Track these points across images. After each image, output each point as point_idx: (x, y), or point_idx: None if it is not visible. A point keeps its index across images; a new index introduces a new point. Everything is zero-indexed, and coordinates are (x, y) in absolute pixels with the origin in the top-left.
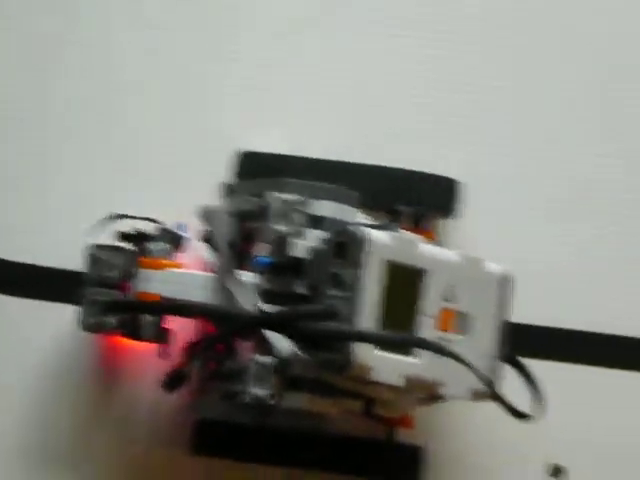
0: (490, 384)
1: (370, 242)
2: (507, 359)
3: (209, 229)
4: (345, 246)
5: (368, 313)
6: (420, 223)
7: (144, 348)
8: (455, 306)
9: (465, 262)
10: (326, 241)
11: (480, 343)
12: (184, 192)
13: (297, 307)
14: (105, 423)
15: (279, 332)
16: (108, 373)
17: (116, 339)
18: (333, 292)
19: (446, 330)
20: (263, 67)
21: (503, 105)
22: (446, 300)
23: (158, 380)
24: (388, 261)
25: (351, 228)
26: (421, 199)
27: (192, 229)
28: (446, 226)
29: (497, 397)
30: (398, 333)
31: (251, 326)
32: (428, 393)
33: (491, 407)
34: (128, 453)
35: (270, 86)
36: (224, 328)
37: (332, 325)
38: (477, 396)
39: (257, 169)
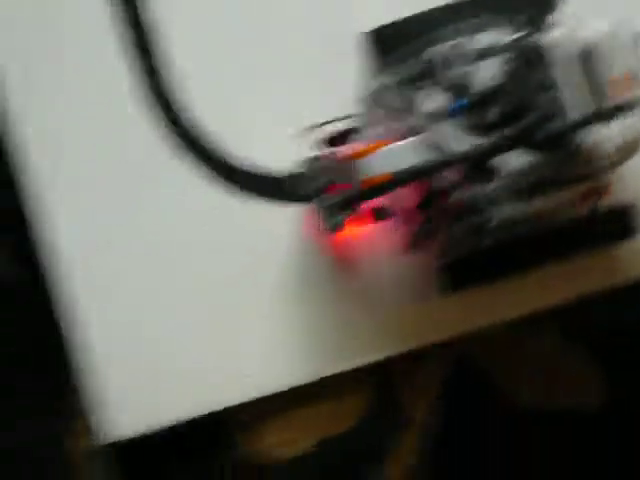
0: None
1: (554, 40)
2: None
3: (385, 104)
4: (535, 54)
5: (578, 100)
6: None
7: (370, 231)
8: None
9: (612, 28)
10: (512, 59)
11: None
12: (326, 90)
13: (525, 121)
14: (357, 306)
15: (520, 148)
16: (346, 261)
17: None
18: (542, 97)
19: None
20: None
21: None
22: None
23: (398, 247)
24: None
25: (533, 37)
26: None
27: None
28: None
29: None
30: (610, 104)
31: (494, 153)
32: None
33: None
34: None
35: None
36: (467, 167)
37: (564, 121)
38: None
39: (392, 41)
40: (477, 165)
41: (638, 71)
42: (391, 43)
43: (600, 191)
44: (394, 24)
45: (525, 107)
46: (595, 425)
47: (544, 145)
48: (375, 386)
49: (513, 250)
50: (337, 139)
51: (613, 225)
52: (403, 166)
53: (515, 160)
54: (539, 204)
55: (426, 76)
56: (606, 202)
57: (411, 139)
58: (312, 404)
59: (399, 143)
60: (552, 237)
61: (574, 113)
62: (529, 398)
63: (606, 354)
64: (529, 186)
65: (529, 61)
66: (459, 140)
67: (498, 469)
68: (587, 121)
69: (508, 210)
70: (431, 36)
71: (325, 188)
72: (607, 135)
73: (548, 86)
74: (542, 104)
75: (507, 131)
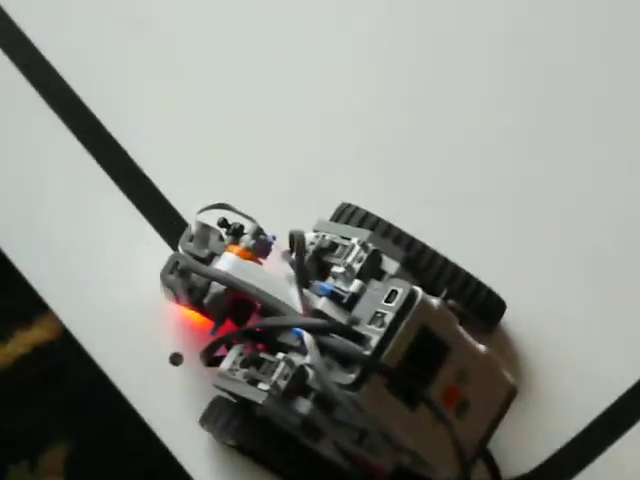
0: (467, 469)
1: (421, 302)
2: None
3: (294, 248)
4: (397, 294)
5: (390, 355)
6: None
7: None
8: (462, 389)
9: (487, 359)
10: (383, 286)
11: (467, 434)
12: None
13: (336, 321)
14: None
15: (315, 337)
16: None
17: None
18: (370, 327)
19: (446, 406)
20: None
21: None
22: (457, 381)
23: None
24: (426, 323)
25: (410, 284)
26: (472, 305)
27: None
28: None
29: None
30: (411, 383)
31: (293, 326)
32: (405, 454)
33: None
34: None
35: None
36: (272, 320)
37: (358, 348)
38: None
39: (347, 218)
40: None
41: None
42: (340, 216)
43: (377, 469)
44: (359, 210)
45: (354, 325)
46: None
47: (333, 353)
48: None
49: (278, 441)
50: (233, 228)
51: None
52: (238, 277)
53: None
54: (309, 410)
55: (335, 253)
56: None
57: (275, 277)
58: None
59: (265, 271)
60: (312, 463)
61: (377, 357)
62: None
63: None
64: (306, 387)
65: (391, 297)
66: (300, 306)
67: None
68: (382, 369)
69: (284, 386)
70: (371, 234)
71: (190, 253)
72: (393, 408)
73: (383, 322)
74: (367, 331)
75: (323, 320)
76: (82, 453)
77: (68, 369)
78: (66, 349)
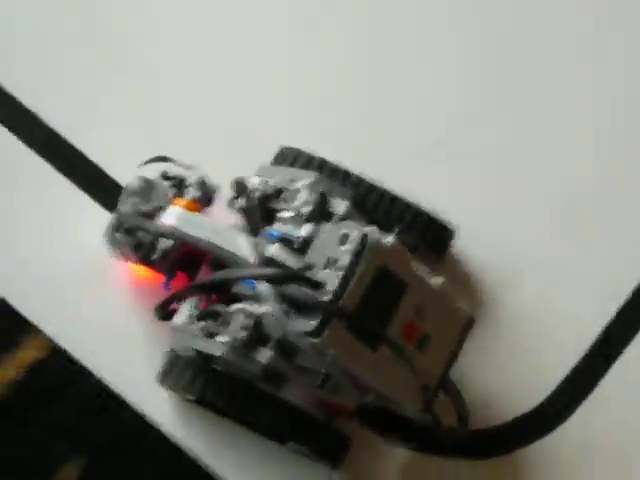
0: (429, 401)
1: (375, 244)
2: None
3: (238, 196)
4: (349, 237)
5: (348, 298)
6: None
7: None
8: (421, 324)
9: (443, 291)
10: (334, 230)
11: (429, 366)
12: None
13: (291, 268)
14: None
15: (273, 286)
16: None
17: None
18: (325, 271)
19: (407, 342)
20: None
21: None
22: (416, 315)
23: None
24: (381, 264)
25: (361, 227)
26: (420, 234)
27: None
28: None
29: (433, 414)
30: (371, 325)
31: (247, 277)
32: (370, 393)
33: None
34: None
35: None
36: (226, 272)
37: (316, 294)
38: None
39: (290, 161)
40: (243, 279)
41: None
42: (282, 160)
43: (341, 408)
44: (301, 152)
45: (309, 270)
46: None
47: (293, 302)
48: None
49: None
50: (175, 180)
51: (330, 445)
52: (186, 231)
53: (270, 304)
54: (270, 359)
55: (282, 198)
56: (339, 422)
57: (222, 225)
58: None
59: (211, 220)
60: (276, 410)
61: (336, 301)
62: None
63: None
64: (266, 337)
65: (345, 239)
66: (251, 256)
67: None
68: (341, 312)
69: (243, 337)
70: (317, 176)
71: (134, 209)
72: (353, 350)
73: (340, 266)
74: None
75: (279, 269)
76: (94, 468)
77: (65, 385)
78: (59, 364)
